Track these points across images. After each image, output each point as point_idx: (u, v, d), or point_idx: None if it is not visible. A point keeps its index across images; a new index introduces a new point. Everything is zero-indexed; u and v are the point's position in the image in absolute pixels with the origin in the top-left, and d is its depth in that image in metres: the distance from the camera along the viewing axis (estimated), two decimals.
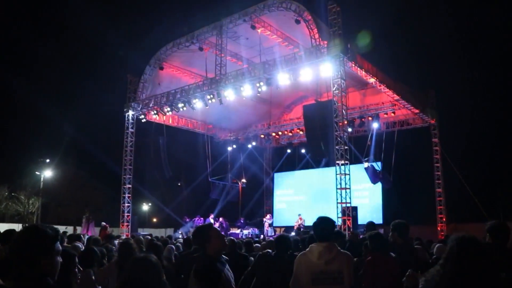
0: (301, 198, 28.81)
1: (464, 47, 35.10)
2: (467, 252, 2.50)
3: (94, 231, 26.13)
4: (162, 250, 5.91)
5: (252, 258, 6.81)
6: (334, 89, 17.14)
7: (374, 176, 21.67)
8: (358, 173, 23.21)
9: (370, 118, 23.15)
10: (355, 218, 16.50)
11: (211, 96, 20.50)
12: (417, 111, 22.49)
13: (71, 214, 33.11)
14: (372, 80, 19.40)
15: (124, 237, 18.50)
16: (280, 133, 28.03)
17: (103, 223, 18.61)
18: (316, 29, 17.65)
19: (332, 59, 17.00)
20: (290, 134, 27.79)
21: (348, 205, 16.50)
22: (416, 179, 27.03)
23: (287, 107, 28.55)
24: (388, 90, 20.19)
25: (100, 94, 42.49)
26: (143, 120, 23.76)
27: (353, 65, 17.96)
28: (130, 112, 23.81)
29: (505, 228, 3.98)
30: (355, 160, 21.08)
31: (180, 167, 35.23)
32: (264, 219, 26.04)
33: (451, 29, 36.36)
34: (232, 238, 7.65)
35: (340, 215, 16.42)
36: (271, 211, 29.48)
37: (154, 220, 49.97)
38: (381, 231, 7.93)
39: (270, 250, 5.71)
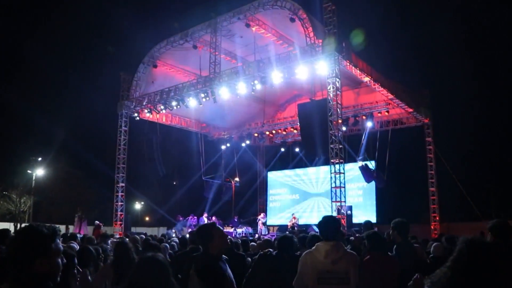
0: (295, 197, 28.81)
1: (459, 47, 35.21)
2: (477, 254, 2.45)
3: (87, 230, 25.99)
4: (160, 250, 5.81)
5: (249, 259, 6.74)
6: (329, 87, 17.11)
7: (368, 175, 21.68)
8: (352, 172, 23.26)
9: (364, 117, 23.17)
10: (350, 217, 16.51)
11: (205, 94, 20.41)
12: (411, 110, 22.52)
13: (63, 213, 32.85)
14: (366, 79, 19.39)
15: (117, 236, 18.39)
16: (274, 131, 28.01)
17: (97, 222, 18.48)
18: (311, 27, 17.61)
19: (327, 57, 16.98)
20: (284, 132, 27.77)
21: (343, 204, 16.47)
22: (410, 178, 27.15)
23: (281, 106, 28.51)
24: (382, 89, 20.19)
25: (93, 92, 42.15)
26: (137, 119, 23.62)
27: (348, 63, 17.95)
28: (124, 110, 23.67)
29: (507, 227, 3.95)
30: (349, 159, 21.10)
31: (174, 166, 35.17)
32: (258, 218, 25.98)
33: (445, 29, 36.53)
34: (230, 237, 7.58)
35: (335, 214, 16.38)
36: (264, 210, 29.45)
37: (147, 219, 49.75)
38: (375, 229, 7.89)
39: (271, 250, 5.63)
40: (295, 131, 26.09)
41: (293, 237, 5.67)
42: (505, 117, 30.77)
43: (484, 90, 32.38)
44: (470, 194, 23.42)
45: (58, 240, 2.26)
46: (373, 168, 22.25)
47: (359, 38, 19.17)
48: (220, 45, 20.45)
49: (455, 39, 36.40)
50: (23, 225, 31.14)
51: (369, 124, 22.95)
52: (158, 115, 23.76)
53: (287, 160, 29.87)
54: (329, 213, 16.33)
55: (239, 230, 24.35)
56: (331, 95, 17.05)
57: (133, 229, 29.79)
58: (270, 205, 30.26)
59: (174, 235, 19.25)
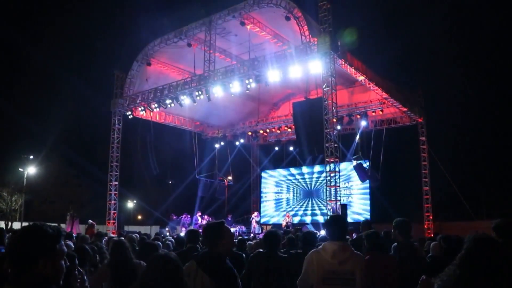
0: (289, 195, 28.81)
1: (452, 47, 35.37)
2: (486, 251, 2.43)
3: (79, 228, 25.80)
4: (157, 250, 5.72)
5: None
6: (324, 86, 17.07)
7: (363, 174, 21.67)
8: (346, 171, 23.29)
9: (358, 116, 23.16)
10: (345, 216, 16.47)
11: (199, 92, 20.31)
12: (405, 109, 22.56)
13: (55, 211, 32.60)
14: (361, 77, 19.38)
15: (110, 234, 18.24)
16: (267, 130, 27.93)
17: (90, 221, 18.28)
18: (306, 26, 17.56)
19: (322, 56, 16.92)
20: (278, 131, 27.71)
21: (338, 203, 16.45)
22: (404, 177, 27.21)
23: (274, 105, 28.47)
24: (377, 88, 20.20)
25: (86, 90, 41.89)
26: (130, 117, 23.46)
27: (343, 62, 17.91)
28: (117, 109, 23.51)
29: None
30: (343, 158, 21.10)
31: (167, 164, 35.01)
32: (252, 217, 25.93)
33: (439, 29, 36.65)
34: None
35: (329, 213, 16.36)
36: (258, 209, 29.42)
37: (139, 217, 49.54)
38: None
39: (261, 250, 5.56)
40: (289, 130, 26.04)
41: (277, 232, 5.62)
42: (499, 117, 30.96)
43: (477, 90, 32.54)
44: (463, 193, 23.52)
45: (62, 242, 2.18)
46: (368, 167, 22.26)
47: (354, 37, 19.12)
48: (214, 43, 20.35)
49: (449, 39, 36.57)
50: (14, 223, 30.92)
51: (363, 123, 22.94)
52: (151, 113, 23.62)
53: (281, 159, 29.86)
54: (323, 212, 16.33)
55: (232, 229, 24.26)
56: (326, 93, 17.02)
57: (126, 228, 29.65)
58: (264, 204, 30.24)
59: (168, 234, 19.14)
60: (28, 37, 46.40)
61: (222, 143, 28.76)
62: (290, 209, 27.48)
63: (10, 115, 37.78)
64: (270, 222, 28.36)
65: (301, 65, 17.68)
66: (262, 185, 30.78)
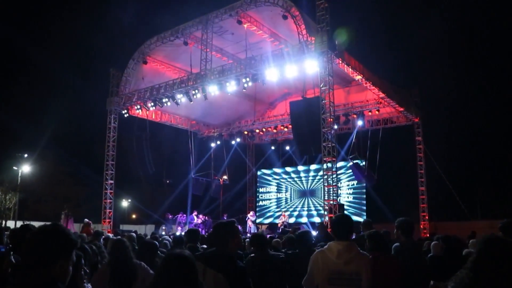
0: (285, 195, 28.79)
1: (448, 47, 35.47)
2: (497, 252, 2.41)
3: (74, 227, 25.62)
4: (157, 249, 5.67)
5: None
6: (321, 85, 17.04)
7: (359, 174, 21.70)
8: (342, 170, 23.28)
9: (354, 116, 23.18)
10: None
11: (196, 91, 20.24)
12: (401, 109, 22.59)
13: (50, 210, 32.48)
14: (358, 77, 19.37)
15: (107, 234, 18.12)
16: (264, 129, 27.88)
17: (86, 220, 18.13)
18: (303, 25, 17.50)
19: (320, 55, 16.89)
20: (274, 131, 27.67)
21: (335, 202, 16.41)
22: (400, 177, 27.26)
23: (270, 104, 28.41)
24: (374, 87, 20.20)
25: (82, 88, 41.76)
26: (126, 115, 23.34)
27: (340, 61, 17.89)
28: (113, 107, 23.40)
29: None
30: (339, 158, 21.08)
31: (163, 163, 34.83)
32: (247, 216, 25.87)
33: (435, 28, 36.73)
34: None
35: (326, 212, 16.34)
36: (254, 208, 29.38)
37: (134, 216, 49.36)
38: None
39: (253, 255, 5.52)
40: (285, 129, 26.02)
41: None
42: (495, 117, 31.08)
43: (474, 89, 32.66)
44: (459, 193, 23.58)
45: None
46: (364, 167, 22.28)
47: (351, 36, 19.11)
48: (211, 41, 20.24)
49: (445, 39, 36.67)
50: (8, 222, 30.71)
51: (359, 123, 22.96)
52: (147, 112, 23.52)
53: (277, 158, 29.82)
54: (320, 212, 16.30)
55: None
56: (324, 93, 16.99)
57: (121, 227, 29.49)
58: (260, 203, 30.21)
59: (164, 233, 19.05)
60: (23, 35, 46.14)
61: (218, 142, 28.68)
62: (285, 209, 27.46)
63: (4, 113, 37.56)
64: (266, 222, 28.33)
65: (298, 64, 17.64)
66: (258, 184, 30.75)
